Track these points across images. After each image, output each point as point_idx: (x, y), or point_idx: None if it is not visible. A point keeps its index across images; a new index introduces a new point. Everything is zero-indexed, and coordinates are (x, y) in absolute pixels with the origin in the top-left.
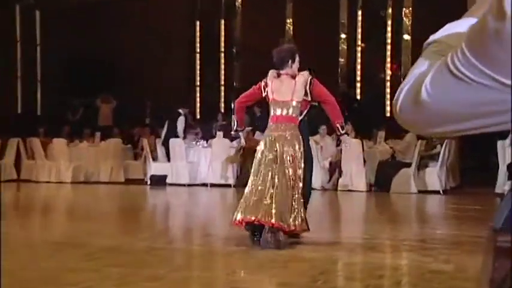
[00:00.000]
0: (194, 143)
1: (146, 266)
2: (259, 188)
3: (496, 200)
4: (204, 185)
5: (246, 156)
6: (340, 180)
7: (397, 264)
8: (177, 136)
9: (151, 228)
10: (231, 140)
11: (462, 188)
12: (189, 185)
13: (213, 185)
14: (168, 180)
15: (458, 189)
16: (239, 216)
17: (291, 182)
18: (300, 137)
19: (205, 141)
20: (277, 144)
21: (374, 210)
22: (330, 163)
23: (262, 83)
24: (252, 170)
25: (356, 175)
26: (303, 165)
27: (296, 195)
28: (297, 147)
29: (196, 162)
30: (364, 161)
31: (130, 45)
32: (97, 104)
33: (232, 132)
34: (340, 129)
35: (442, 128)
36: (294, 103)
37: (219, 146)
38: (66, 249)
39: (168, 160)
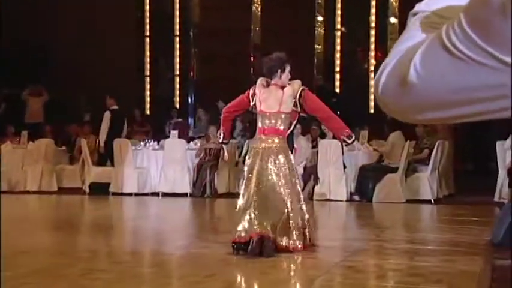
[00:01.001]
0: (143, 144)
1: None
2: (250, 201)
3: (495, 210)
4: (155, 194)
5: (204, 162)
6: (317, 188)
7: None
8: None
9: (90, 246)
10: (188, 141)
11: (456, 196)
12: (136, 194)
13: (165, 194)
14: (111, 189)
15: (452, 198)
16: (243, 234)
17: (281, 195)
18: (289, 150)
19: (156, 142)
20: (264, 157)
21: (352, 224)
22: (305, 168)
23: (251, 91)
24: (242, 185)
25: (335, 182)
26: (295, 179)
27: (288, 210)
28: (282, 160)
29: (145, 167)
30: (344, 166)
31: (66, 28)
32: (24, 97)
33: (222, 143)
34: (347, 140)
35: (432, 114)
36: (283, 115)
37: (172, 148)
38: None
39: (112, 165)
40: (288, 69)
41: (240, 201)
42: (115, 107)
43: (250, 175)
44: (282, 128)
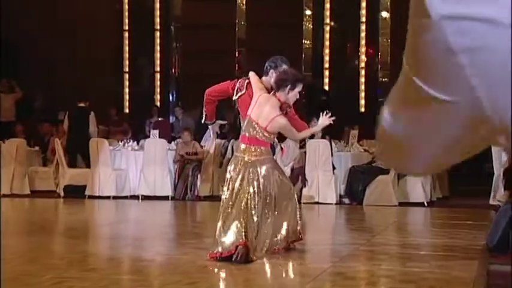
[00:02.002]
0: (121, 144)
1: None
2: (231, 212)
3: (490, 213)
4: (134, 197)
5: (184, 164)
6: (305, 190)
7: None
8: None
9: (64, 253)
10: (169, 141)
11: (450, 199)
12: (114, 198)
13: (145, 197)
14: (87, 192)
15: (445, 201)
16: (220, 249)
17: (254, 206)
18: (274, 161)
19: (135, 143)
20: (246, 168)
21: (342, 228)
22: (292, 169)
23: (238, 84)
24: (224, 195)
25: (324, 184)
26: (273, 192)
27: (260, 220)
28: (263, 170)
29: (124, 168)
30: (334, 167)
31: (39, 21)
32: None
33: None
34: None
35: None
36: (266, 133)
37: (153, 148)
38: None
39: (88, 166)
40: (298, 89)
41: (220, 213)
42: (82, 104)
43: (231, 186)
44: (267, 141)
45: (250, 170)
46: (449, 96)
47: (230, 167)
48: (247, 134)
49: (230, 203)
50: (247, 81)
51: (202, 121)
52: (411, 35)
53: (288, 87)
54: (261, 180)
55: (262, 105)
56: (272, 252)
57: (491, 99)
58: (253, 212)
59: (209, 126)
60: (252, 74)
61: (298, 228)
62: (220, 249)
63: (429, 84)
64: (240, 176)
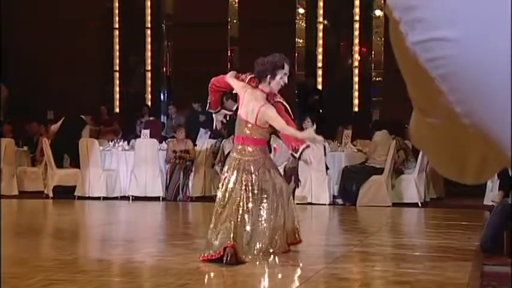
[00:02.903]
0: (111, 144)
1: None
2: (222, 213)
3: (484, 214)
4: (125, 198)
5: (175, 164)
6: (298, 191)
7: None
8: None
9: (53, 255)
10: (161, 141)
11: (445, 199)
12: (105, 198)
13: (136, 198)
14: (76, 193)
15: (440, 201)
16: (210, 251)
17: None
18: (270, 160)
19: (126, 143)
20: (240, 169)
21: (336, 229)
22: (285, 169)
23: (233, 84)
24: (218, 194)
25: (317, 185)
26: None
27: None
28: (259, 171)
29: (114, 169)
30: (327, 167)
31: (27, 18)
32: None
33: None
34: (294, 154)
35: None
36: (260, 129)
37: (144, 148)
38: None
39: (78, 166)
40: (279, 76)
41: (213, 215)
42: (82, 116)
43: (224, 187)
44: (261, 138)
45: (246, 170)
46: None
47: (225, 168)
48: (241, 135)
49: (222, 203)
50: (249, 77)
51: (206, 109)
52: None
53: (268, 76)
54: (256, 181)
55: (248, 102)
56: (270, 254)
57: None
58: (245, 214)
59: (213, 115)
60: (228, 75)
61: (297, 227)
62: (211, 251)
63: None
64: (233, 177)
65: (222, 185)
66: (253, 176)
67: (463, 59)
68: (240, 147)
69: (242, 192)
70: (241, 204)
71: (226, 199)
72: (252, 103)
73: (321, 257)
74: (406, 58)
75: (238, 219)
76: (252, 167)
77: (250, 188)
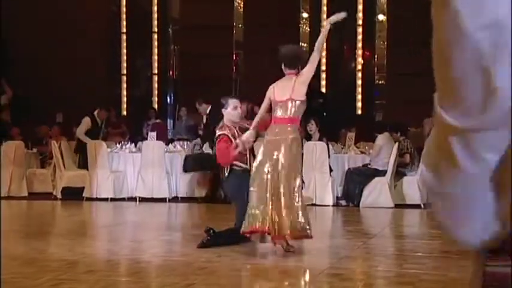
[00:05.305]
0: (119, 146)
1: None
2: (260, 195)
3: None
4: (132, 199)
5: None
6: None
7: None
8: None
9: (61, 255)
10: (167, 143)
11: None
12: (112, 200)
13: (143, 199)
14: (85, 194)
15: None
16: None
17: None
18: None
19: (133, 145)
20: (274, 150)
21: (339, 230)
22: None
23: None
24: (252, 178)
25: (320, 186)
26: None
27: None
28: (292, 151)
29: (121, 170)
30: (331, 169)
31: (35, 21)
32: None
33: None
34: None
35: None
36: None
37: (150, 150)
38: None
39: (86, 168)
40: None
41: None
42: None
43: (259, 168)
44: (294, 116)
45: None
46: (469, 122)
47: (260, 149)
48: (276, 115)
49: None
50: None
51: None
52: (441, 50)
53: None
54: (283, 159)
55: (280, 85)
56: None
57: None
58: (279, 191)
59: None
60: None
61: (301, 222)
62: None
63: (453, 109)
64: (269, 157)
65: (257, 166)
66: (282, 153)
67: None
68: (273, 128)
69: (273, 172)
70: (275, 185)
71: (261, 181)
72: (283, 85)
73: (325, 257)
74: (458, 44)
75: (272, 199)
76: (282, 145)
77: (280, 166)
